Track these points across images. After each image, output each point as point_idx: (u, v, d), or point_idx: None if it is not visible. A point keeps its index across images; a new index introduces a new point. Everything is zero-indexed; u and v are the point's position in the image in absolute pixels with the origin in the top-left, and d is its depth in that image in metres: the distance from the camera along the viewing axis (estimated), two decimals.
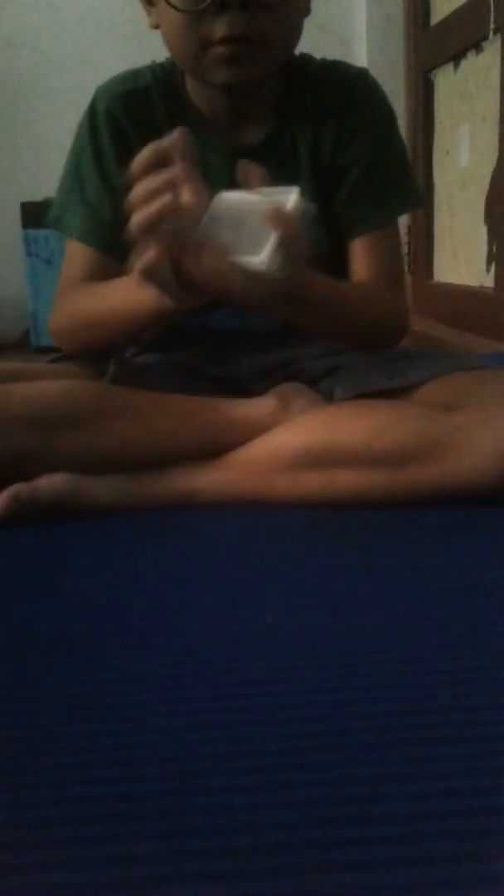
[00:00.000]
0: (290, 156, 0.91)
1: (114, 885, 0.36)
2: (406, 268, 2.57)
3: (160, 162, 0.70)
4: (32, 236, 2.42)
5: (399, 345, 0.98)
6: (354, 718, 0.47)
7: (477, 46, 2.13)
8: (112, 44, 2.55)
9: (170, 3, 0.77)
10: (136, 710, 0.48)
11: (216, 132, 0.91)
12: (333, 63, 0.94)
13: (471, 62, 2.19)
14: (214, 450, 0.82)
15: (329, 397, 0.89)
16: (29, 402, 0.79)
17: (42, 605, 0.63)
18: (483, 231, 2.12)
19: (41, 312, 2.46)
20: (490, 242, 2.11)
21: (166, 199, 0.67)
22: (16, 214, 2.43)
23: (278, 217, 0.69)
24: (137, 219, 0.68)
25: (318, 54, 0.98)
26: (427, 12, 2.47)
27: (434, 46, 2.38)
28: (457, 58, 2.26)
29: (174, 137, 0.70)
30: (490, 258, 2.11)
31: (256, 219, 0.69)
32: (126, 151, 0.87)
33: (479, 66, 2.14)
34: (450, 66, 2.31)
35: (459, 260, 2.27)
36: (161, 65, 0.94)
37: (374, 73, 0.96)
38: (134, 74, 0.93)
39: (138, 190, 0.68)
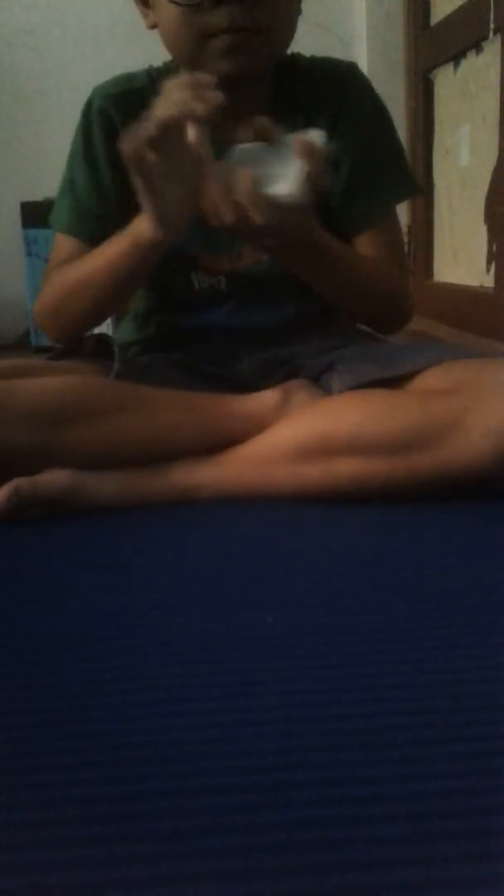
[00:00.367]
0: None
1: (114, 885, 0.36)
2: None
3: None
4: (32, 236, 2.42)
5: (398, 338, 0.99)
6: (354, 718, 0.47)
7: (477, 46, 2.13)
8: (112, 44, 2.55)
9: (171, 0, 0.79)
10: (136, 710, 0.48)
11: (210, 130, 0.91)
12: (323, 59, 0.96)
13: (471, 62, 2.19)
14: (218, 443, 0.83)
15: (330, 393, 0.89)
16: (35, 398, 0.80)
17: (42, 604, 0.63)
18: (483, 231, 2.12)
19: None
20: (490, 242, 2.11)
21: (191, 107, 0.70)
22: (16, 214, 2.43)
23: (308, 149, 0.72)
24: (159, 112, 0.71)
25: (318, 54, 0.98)
26: (427, 12, 2.47)
27: (434, 46, 2.38)
28: (457, 58, 2.26)
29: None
30: (490, 258, 2.11)
31: (283, 153, 0.73)
32: (117, 148, 0.88)
33: (479, 66, 2.14)
34: (450, 66, 2.31)
35: (459, 260, 2.26)
36: (157, 68, 0.96)
37: (373, 73, 0.98)
38: (130, 76, 0.96)
39: (169, 87, 0.72)
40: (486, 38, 2.03)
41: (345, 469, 0.78)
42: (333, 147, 0.83)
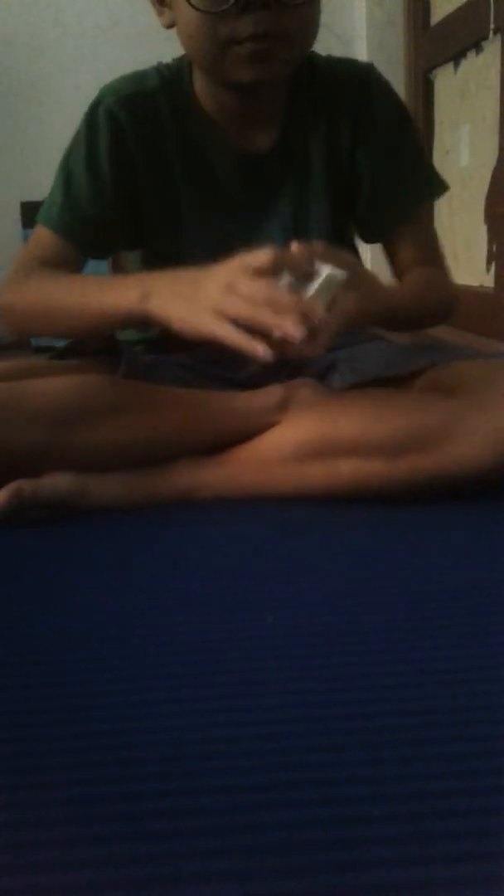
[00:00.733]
0: (302, 159, 0.91)
1: (114, 885, 0.36)
2: None
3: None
4: None
5: (401, 337, 0.99)
6: (354, 718, 0.47)
7: (477, 46, 2.13)
8: (112, 44, 2.55)
9: (191, 5, 0.76)
10: (136, 710, 0.48)
11: (225, 135, 0.90)
12: (340, 59, 0.94)
13: (471, 62, 2.19)
14: (222, 441, 0.83)
15: (332, 390, 0.89)
16: (42, 399, 0.80)
17: (42, 604, 0.63)
18: (483, 231, 2.12)
19: None
20: (490, 242, 2.11)
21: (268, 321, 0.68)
22: (16, 214, 2.44)
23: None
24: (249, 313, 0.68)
25: (318, 54, 0.98)
26: (427, 12, 2.47)
27: (434, 46, 2.38)
28: (457, 58, 2.26)
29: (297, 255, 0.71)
30: (490, 258, 2.11)
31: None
32: (123, 153, 0.87)
33: (479, 66, 2.14)
34: (450, 66, 2.31)
35: (459, 260, 2.26)
36: (167, 66, 0.93)
37: None
38: (140, 76, 0.92)
39: (255, 292, 0.68)
40: (486, 38, 2.03)
41: (346, 470, 0.78)
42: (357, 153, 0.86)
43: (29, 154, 2.60)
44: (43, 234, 0.93)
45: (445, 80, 2.35)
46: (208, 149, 0.88)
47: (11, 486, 0.77)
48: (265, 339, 0.67)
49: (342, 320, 0.72)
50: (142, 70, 0.93)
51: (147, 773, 0.43)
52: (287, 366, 0.96)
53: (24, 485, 0.78)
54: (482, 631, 0.56)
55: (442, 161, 2.37)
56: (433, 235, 0.98)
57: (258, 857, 0.37)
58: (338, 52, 0.98)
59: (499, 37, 1.98)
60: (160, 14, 0.86)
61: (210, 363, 0.97)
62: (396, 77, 2.47)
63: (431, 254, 0.96)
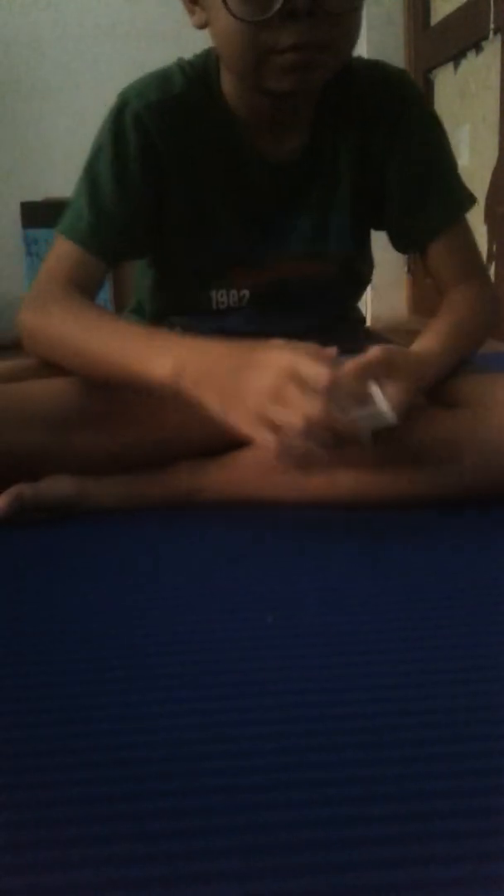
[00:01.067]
0: (328, 167, 0.88)
1: (114, 885, 0.36)
2: (407, 267, 2.57)
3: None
4: (32, 236, 2.42)
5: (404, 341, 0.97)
6: (354, 718, 0.47)
7: (477, 46, 2.13)
8: (112, 44, 2.55)
9: (231, 13, 0.71)
10: (136, 710, 0.48)
11: (253, 140, 0.86)
12: (371, 64, 0.90)
13: (471, 62, 2.19)
14: (224, 442, 0.82)
15: None
16: (45, 401, 0.79)
17: (42, 605, 0.63)
18: (483, 231, 2.12)
19: None
20: (490, 242, 2.11)
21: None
22: (16, 214, 2.44)
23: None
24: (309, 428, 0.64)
25: None
26: (427, 12, 2.47)
27: (434, 46, 2.38)
28: (457, 58, 2.26)
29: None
30: (490, 258, 2.11)
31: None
32: (153, 160, 0.83)
33: (479, 66, 2.14)
34: (450, 66, 2.31)
35: None
36: (191, 64, 0.87)
37: None
38: (165, 78, 0.86)
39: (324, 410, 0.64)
40: (486, 38, 2.03)
41: (345, 480, 0.77)
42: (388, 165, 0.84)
43: (29, 154, 2.60)
44: (66, 249, 0.85)
45: (445, 80, 2.35)
46: (238, 154, 0.85)
47: (11, 491, 0.77)
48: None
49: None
50: (164, 69, 0.87)
51: (147, 773, 0.43)
52: None
53: (24, 489, 0.78)
54: (482, 631, 0.57)
55: None
56: (471, 246, 0.93)
57: (258, 857, 0.37)
58: None
59: (499, 37, 1.98)
60: (191, 13, 0.80)
61: None
62: None
63: (470, 267, 0.92)
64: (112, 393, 0.82)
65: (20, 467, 0.78)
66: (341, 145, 0.87)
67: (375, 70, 0.89)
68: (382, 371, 0.71)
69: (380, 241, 0.98)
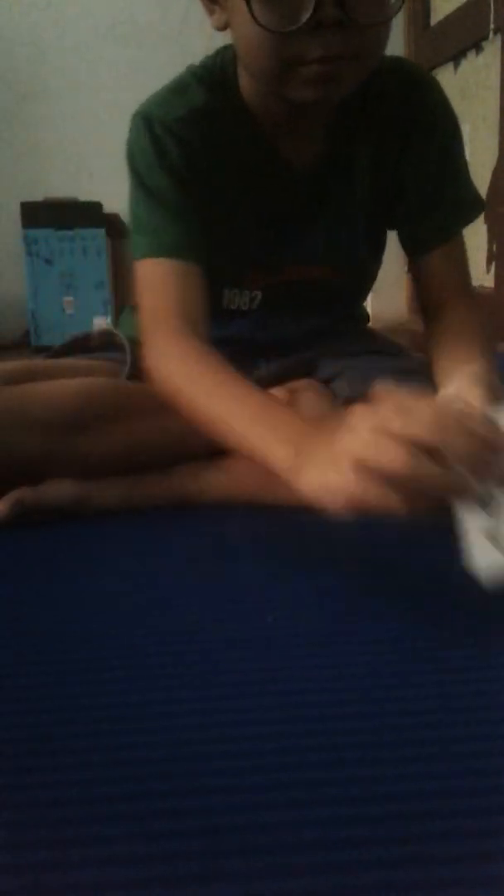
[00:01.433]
0: (346, 172, 0.86)
1: (114, 886, 0.36)
2: (407, 267, 2.57)
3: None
4: (32, 236, 2.42)
5: (411, 356, 0.96)
6: (354, 718, 0.47)
7: (477, 46, 2.13)
8: (112, 44, 2.55)
9: (258, 23, 0.68)
10: (136, 710, 0.48)
11: (274, 146, 0.84)
12: (395, 61, 0.86)
13: (471, 62, 2.19)
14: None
15: (337, 397, 0.88)
16: (49, 404, 0.79)
17: (42, 605, 0.63)
18: (483, 231, 2.12)
19: (41, 312, 2.47)
20: (490, 242, 2.11)
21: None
22: (16, 214, 2.44)
23: None
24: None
25: None
26: (427, 12, 2.47)
27: (434, 46, 2.38)
28: (457, 58, 2.26)
29: None
30: (490, 258, 2.11)
31: None
32: (192, 164, 0.81)
33: (479, 66, 2.14)
34: (450, 66, 2.31)
35: None
36: (206, 69, 0.84)
37: None
38: (183, 89, 0.83)
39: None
40: (486, 38, 2.04)
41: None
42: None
43: (29, 154, 2.60)
44: (158, 272, 0.80)
45: (445, 80, 2.35)
46: (261, 159, 0.84)
47: (13, 495, 0.78)
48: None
49: None
50: (180, 81, 0.84)
51: (147, 773, 0.43)
52: (299, 368, 0.95)
53: (25, 493, 0.78)
54: (482, 631, 0.56)
55: None
56: (465, 262, 0.90)
57: (258, 857, 0.37)
58: None
59: (499, 37, 1.98)
60: (210, 13, 0.76)
61: None
62: None
63: (467, 279, 0.90)
64: (113, 397, 0.82)
65: (21, 471, 0.78)
66: (361, 147, 0.85)
67: (397, 69, 0.85)
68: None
69: None
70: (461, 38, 2.18)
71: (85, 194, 2.49)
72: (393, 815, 0.39)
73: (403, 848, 0.37)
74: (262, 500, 0.80)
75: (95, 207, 2.42)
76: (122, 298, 2.54)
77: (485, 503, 0.55)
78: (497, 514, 0.54)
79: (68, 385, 0.82)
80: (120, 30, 2.54)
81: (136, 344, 0.96)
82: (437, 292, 0.89)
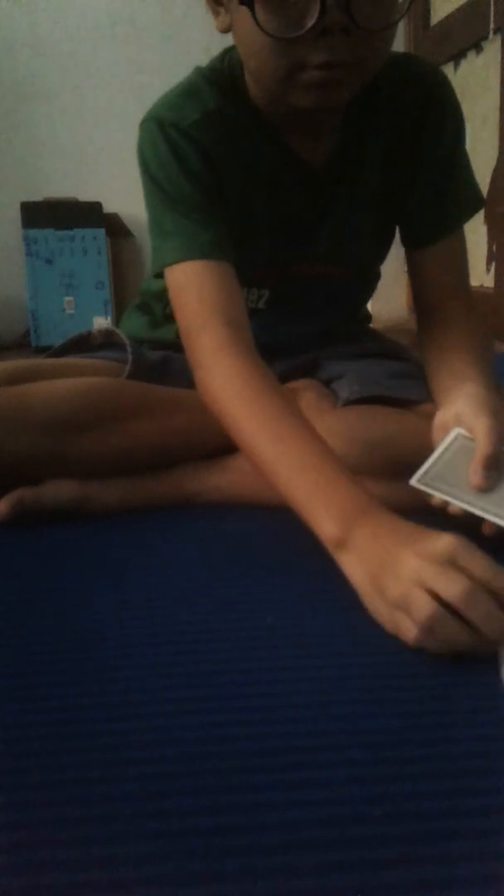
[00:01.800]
0: (356, 172, 0.86)
1: (113, 886, 0.36)
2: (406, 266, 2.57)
3: None
4: (32, 236, 2.42)
5: (412, 357, 0.96)
6: (354, 719, 0.47)
7: (477, 46, 2.14)
8: (112, 44, 2.55)
9: (262, 29, 0.67)
10: (135, 710, 0.48)
11: (285, 146, 0.84)
12: (403, 58, 0.85)
13: (471, 62, 2.19)
14: (226, 445, 0.82)
15: (337, 397, 0.88)
16: (49, 405, 0.79)
17: (42, 605, 0.63)
18: (483, 231, 2.12)
19: (41, 312, 2.47)
20: (490, 242, 2.11)
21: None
22: (16, 214, 2.44)
23: None
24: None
25: None
26: (427, 12, 2.47)
27: (434, 46, 2.38)
28: (457, 58, 2.26)
29: None
30: (490, 258, 2.12)
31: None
32: (210, 164, 0.80)
33: (479, 66, 2.14)
34: (450, 66, 2.31)
35: None
36: (214, 71, 0.83)
37: None
38: (194, 92, 0.81)
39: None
40: (486, 38, 2.04)
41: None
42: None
43: (29, 154, 2.60)
44: (194, 273, 0.77)
45: None
46: (273, 159, 0.83)
47: (13, 496, 0.78)
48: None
49: None
50: (190, 84, 0.82)
51: (147, 773, 0.43)
52: (303, 367, 0.95)
53: (25, 494, 0.78)
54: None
55: None
56: (465, 259, 0.90)
57: (258, 857, 0.37)
58: None
59: (499, 37, 1.98)
60: (216, 14, 0.75)
61: None
62: None
63: (464, 280, 0.90)
64: (114, 398, 0.82)
65: (22, 471, 0.78)
66: (371, 146, 0.85)
67: (406, 66, 0.85)
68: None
69: None
70: (461, 38, 2.19)
71: (85, 194, 2.49)
72: (393, 815, 0.39)
73: (403, 848, 0.37)
74: (262, 500, 0.80)
75: (95, 207, 2.42)
76: (122, 298, 2.54)
77: None
78: None
79: (68, 385, 0.82)
80: (120, 30, 2.54)
81: (138, 343, 0.96)
82: (433, 289, 0.89)
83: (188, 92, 0.81)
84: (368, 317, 1.08)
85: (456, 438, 0.70)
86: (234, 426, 0.71)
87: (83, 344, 1.00)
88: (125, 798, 0.41)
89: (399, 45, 2.51)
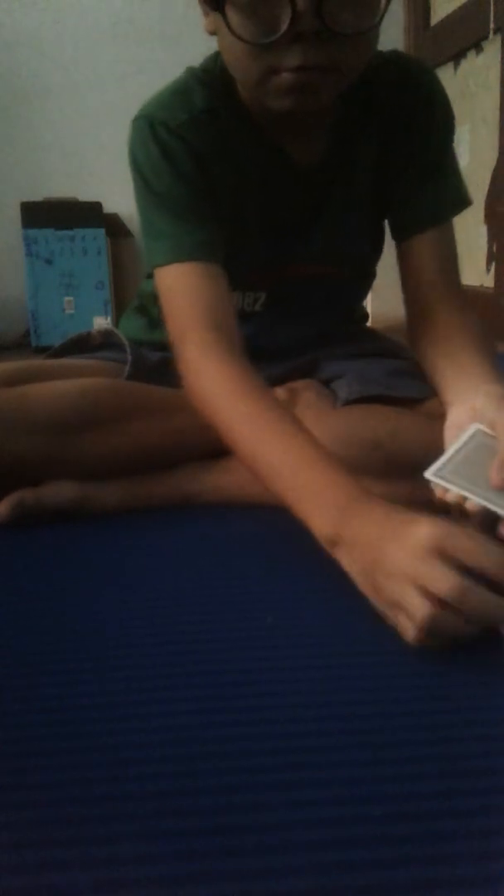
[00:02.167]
0: (348, 173, 0.86)
1: (113, 885, 0.36)
2: None
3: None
4: (32, 236, 2.42)
5: (411, 356, 0.95)
6: (354, 719, 0.47)
7: (477, 46, 2.13)
8: (112, 44, 2.55)
9: (235, 35, 0.68)
10: (134, 710, 0.48)
11: (276, 147, 0.84)
12: (393, 56, 0.86)
13: (471, 62, 2.19)
14: (225, 445, 0.81)
15: (336, 397, 0.88)
16: (49, 406, 0.79)
17: (42, 605, 0.63)
18: (483, 231, 2.12)
19: (41, 312, 2.47)
20: (490, 242, 2.11)
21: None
22: (16, 214, 2.44)
23: None
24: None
25: None
26: (427, 12, 2.47)
27: (434, 46, 2.38)
28: (457, 58, 2.26)
29: None
30: (490, 258, 2.12)
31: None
32: (200, 163, 0.80)
33: (479, 66, 2.14)
34: (450, 66, 2.31)
35: (460, 260, 2.27)
36: (206, 71, 0.83)
37: None
38: (185, 93, 0.81)
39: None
40: (486, 38, 2.04)
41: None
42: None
43: (29, 154, 2.60)
44: (182, 275, 0.78)
45: (445, 80, 2.34)
46: (265, 159, 0.84)
47: (13, 497, 0.78)
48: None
49: None
50: (181, 83, 0.82)
51: (147, 773, 0.43)
52: (300, 369, 0.95)
53: (26, 495, 0.78)
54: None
55: None
56: (455, 252, 0.90)
57: (258, 857, 0.37)
58: None
59: (499, 37, 1.98)
60: (205, 14, 0.76)
61: None
62: None
63: (454, 272, 0.89)
64: (114, 399, 0.82)
65: (22, 472, 0.78)
66: (363, 146, 0.85)
67: (395, 64, 0.85)
68: None
69: None
70: (461, 38, 2.19)
71: (85, 194, 2.49)
72: (393, 815, 0.39)
73: (403, 848, 0.37)
74: (262, 501, 0.80)
75: (95, 207, 2.43)
76: (122, 298, 2.54)
77: None
78: None
79: (68, 385, 0.82)
80: (120, 30, 2.54)
81: (137, 344, 0.96)
82: (422, 284, 0.88)
83: (178, 91, 0.82)
84: (365, 316, 1.08)
85: (475, 434, 0.69)
86: (224, 428, 0.71)
87: (83, 344, 1.00)
88: (125, 798, 0.41)
89: (399, 45, 2.51)
